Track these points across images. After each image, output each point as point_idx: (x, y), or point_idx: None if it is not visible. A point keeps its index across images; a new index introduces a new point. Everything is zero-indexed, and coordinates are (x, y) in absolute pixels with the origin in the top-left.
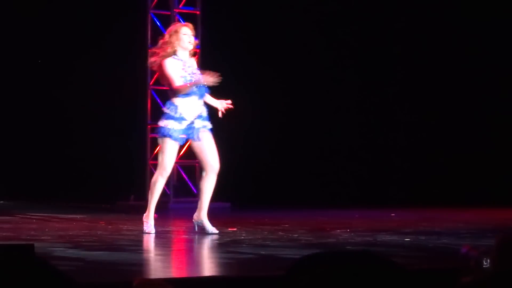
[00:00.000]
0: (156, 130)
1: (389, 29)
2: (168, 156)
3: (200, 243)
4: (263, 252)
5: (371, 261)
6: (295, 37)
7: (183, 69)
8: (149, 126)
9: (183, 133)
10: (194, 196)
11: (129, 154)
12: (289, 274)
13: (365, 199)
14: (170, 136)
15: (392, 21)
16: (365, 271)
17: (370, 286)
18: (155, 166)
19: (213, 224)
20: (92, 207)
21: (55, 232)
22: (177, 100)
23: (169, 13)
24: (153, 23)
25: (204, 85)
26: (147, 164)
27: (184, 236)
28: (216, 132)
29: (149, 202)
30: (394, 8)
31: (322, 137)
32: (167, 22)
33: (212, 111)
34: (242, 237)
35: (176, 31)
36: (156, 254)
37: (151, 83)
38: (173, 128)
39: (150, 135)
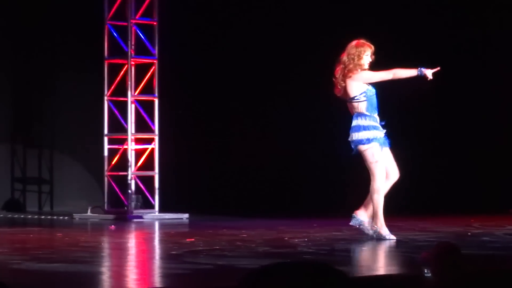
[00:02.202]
0: (356, 142)
1: None
2: (381, 164)
3: (157, 254)
4: (221, 263)
5: (322, 272)
6: (249, 46)
7: (365, 83)
8: (106, 137)
9: (383, 140)
10: (152, 207)
11: (86, 165)
12: (242, 285)
13: (324, 208)
14: (378, 142)
15: None
16: (316, 282)
17: None
18: (113, 178)
19: (170, 235)
20: (49, 219)
21: (11, 245)
22: (368, 113)
23: (126, 24)
24: (110, 34)
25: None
26: (104, 175)
27: (141, 248)
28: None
29: (378, 211)
30: None
31: (283, 147)
32: (124, 33)
33: None
34: (200, 248)
35: (364, 50)
36: (112, 266)
37: (108, 94)
38: (377, 137)
39: (108, 146)
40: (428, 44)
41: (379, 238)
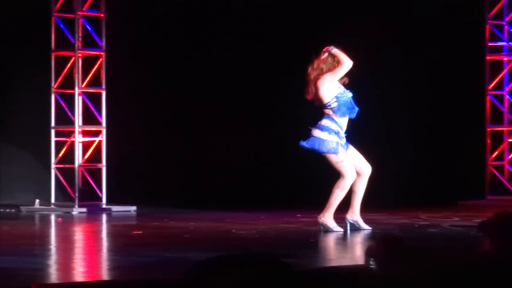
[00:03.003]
0: (318, 142)
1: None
2: (348, 162)
3: (105, 246)
4: (168, 255)
5: (267, 264)
6: (197, 37)
7: (338, 87)
8: (53, 130)
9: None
10: (99, 199)
11: (33, 158)
12: (187, 277)
13: (272, 201)
14: (337, 151)
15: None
16: (261, 274)
17: None
18: (60, 170)
19: (118, 227)
20: None
21: None
22: (337, 118)
23: (73, 16)
24: (57, 26)
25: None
26: (51, 167)
27: (89, 240)
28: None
29: (333, 204)
30: None
31: (231, 138)
32: (71, 25)
33: None
34: (147, 240)
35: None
36: (60, 259)
37: (55, 87)
38: (338, 142)
39: (55, 139)
40: (413, 43)
41: (326, 230)
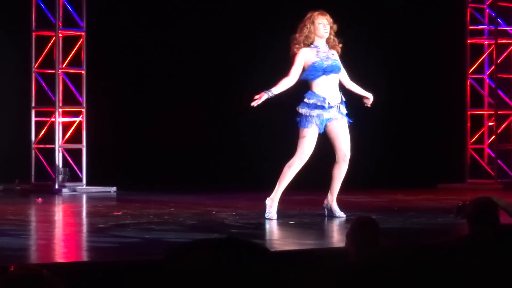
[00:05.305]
0: (297, 116)
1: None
2: (309, 142)
3: (85, 227)
4: (148, 236)
5: (243, 247)
6: (178, 17)
7: (316, 55)
8: (34, 110)
9: (325, 121)
10: (80, 180)
11: (13, 137)
12: (167, 259)
13: (253, 182)
14: (313, 123)
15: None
16: (238, 257)
17: (240, 274)
18: (40, 150)
19: (98, 208)
20: None
21: None
22: (317, 89)
23: None
24: (38, 5)
25: (334, 68)
26: (31, 147)
27: (69, 221)
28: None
29: (279, 185)
30: None
31: (212, 121)
32: (52, 5)
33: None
34: (127, 221)
35: (313, 21)
36: (39, 239)
37: (35, 67)
38: (317, 115)
39: (36, 119)
40: (395, 26)
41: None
